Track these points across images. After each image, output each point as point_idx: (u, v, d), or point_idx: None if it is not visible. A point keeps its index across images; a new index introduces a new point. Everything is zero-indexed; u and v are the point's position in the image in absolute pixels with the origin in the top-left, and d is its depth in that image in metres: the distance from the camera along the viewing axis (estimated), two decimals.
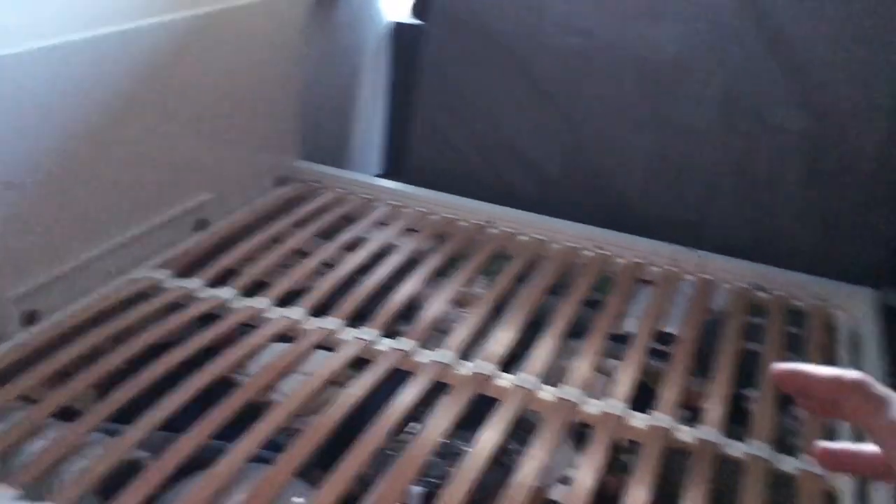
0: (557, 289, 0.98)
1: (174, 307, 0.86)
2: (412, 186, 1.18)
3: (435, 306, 0.90)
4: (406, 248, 1.03)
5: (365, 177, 1.22)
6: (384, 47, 1.50)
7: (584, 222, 1.12)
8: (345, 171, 1.23)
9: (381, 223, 1.11)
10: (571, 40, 1.22)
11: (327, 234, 1.06)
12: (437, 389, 0.77)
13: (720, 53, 1.15)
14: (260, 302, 0.87)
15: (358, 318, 0.88)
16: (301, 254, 1.01)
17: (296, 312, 0.86)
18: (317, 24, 1.27)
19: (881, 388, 0.28)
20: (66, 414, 0.70)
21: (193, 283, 0.89)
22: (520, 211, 1.13)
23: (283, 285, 0.91)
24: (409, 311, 0.91)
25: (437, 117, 1.35)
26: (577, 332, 0.89)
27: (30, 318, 0.80)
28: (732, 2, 1.13)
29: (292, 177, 1.20)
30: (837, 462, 0.32)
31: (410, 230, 1.09)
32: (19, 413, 0.68)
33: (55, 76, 0.77)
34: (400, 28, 1.49)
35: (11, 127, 0.74)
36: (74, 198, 0.83)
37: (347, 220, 1.11)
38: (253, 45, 1.05)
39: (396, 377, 0.78)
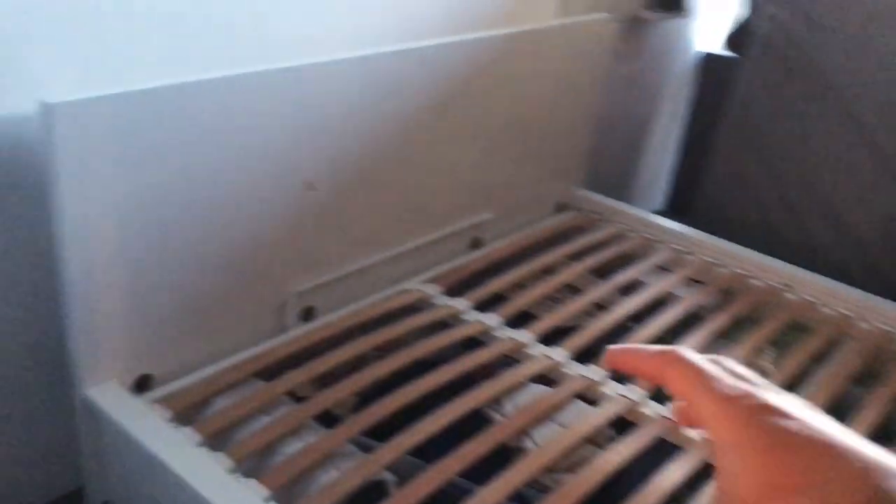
0: (864, 378, 0.84)
1: (440, 325, 0.85)
2: (699, 231, 1.08)
3: None
4: (687, 300, 0.94)
5: (648, 214, 1.13)
6: (689, 78, 1.40)
7: None
8: (627, 205, 1.16)
9: (662, 268, 1.02)
10: None
11: (602, 271, 1.00)
12: (706, 472, 0.68)
13: None
14: (523, 335, 0.83)
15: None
16: (572, 289, 0.96)
17: (558, 353, 0.81)
18: (623, 51, 1.21)
19: (697, 359, 0.27)
20: (326, 418, 0.70)
21: (461, 304, 0.87)
22: (826, 278, 0.98)
23: (549, 321, 0.86)
24: None
25: (739, 159, 1.23)
26: (886, 434, 0.75)
27: (307, 314, 0.83)
28: None
29: (572, 204, 1.16)
30: (686, 420, 0.31)
31: (694, 281, 1.00)
32: (284, 409, 0.70)
33: (361, 85, 0.78)
34: (709, 59, 1.39)
35: (318, 130, 0.76)
36: (365, 204, 0.84)
37: (625, 259, 1.04)
38: (553, 69, 1.02)
39: (662, 448, 0.70)
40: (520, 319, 0.87)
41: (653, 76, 1.33)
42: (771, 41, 1.18)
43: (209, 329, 0.74)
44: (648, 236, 1.08)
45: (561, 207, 1.15)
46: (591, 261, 1.00)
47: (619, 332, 0.87)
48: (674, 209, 1.46)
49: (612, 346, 0.32)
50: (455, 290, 0.91)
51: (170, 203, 0.66)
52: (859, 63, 1.09)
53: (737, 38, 1.33)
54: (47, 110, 0.57)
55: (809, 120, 1.15)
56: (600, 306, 0.92)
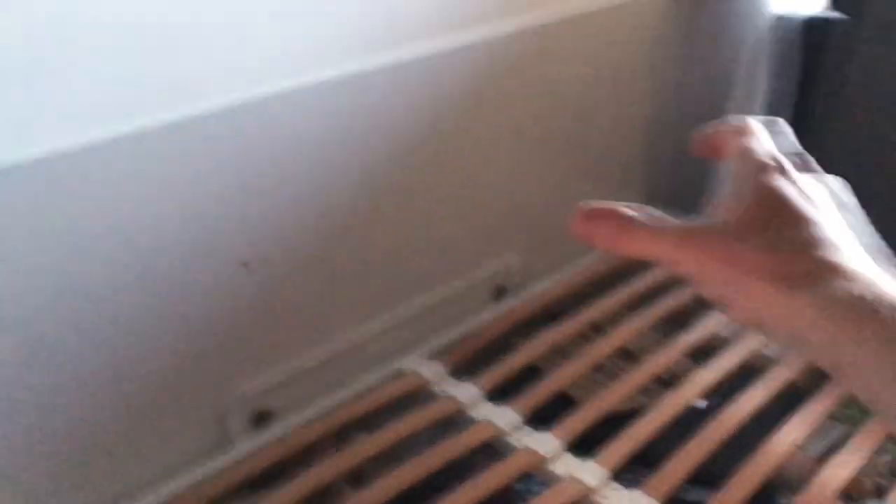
0: None
1: (441, 424, 0.64)
2: None
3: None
4: (785, 367, 0.69)
5: None
6: (772, 54, 1.11)
7: None
8: None
9: None
10: None
11: (669, 325, 0.76)
12: None
13: None
14: (548, 443, 0.61)
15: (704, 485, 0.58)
16: (628, 355, 0.73)
17: (596, 473, 0.58)
18: (678, 28, 0.95)
19: (760, 129, 0.28)
20: None
21: (468, 393, 0.66)
22: None
23: (588, 415, 0.64)
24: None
25: (867, 152, 0.95)
26: None
27: (261, 420, 0.63)
28: None
29: None
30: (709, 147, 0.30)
31: None
32: None
33: (316, 119, 0.58)
34: (810, 25, 1.10)
35: (257, 189, 0.56)
36: (337, 270, 0.64)
37: (701, 305, 0.79)
38: (596, 61, 0.78)
39: None
40: (553, 410, 0.64)
41: (722, 53, 1.05)
42: None
43: (112, 451, 0.56)
44: None
45: None
46: (652, 312, 0.76)
47: (690, 424, 0.63)
48: None
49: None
50: (464, 370, 0.69)
51: (30, 288, 0.48)
52: None
53: None
54: None
55: None
56: (666, 382, 0.69)
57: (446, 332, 0.73)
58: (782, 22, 1.08)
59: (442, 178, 0.69)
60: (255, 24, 0.58)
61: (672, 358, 0.70)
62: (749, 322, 0.24)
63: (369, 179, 0.63)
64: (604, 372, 0.71)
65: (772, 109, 1.12)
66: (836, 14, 1.06)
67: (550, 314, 0.78)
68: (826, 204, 0.26)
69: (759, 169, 0.25)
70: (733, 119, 0.28)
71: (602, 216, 0.26)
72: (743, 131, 0.27)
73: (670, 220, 0.25)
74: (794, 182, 0.25)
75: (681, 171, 1.07)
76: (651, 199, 0.92)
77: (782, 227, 0.24)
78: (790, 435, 0.61)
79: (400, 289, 0.70)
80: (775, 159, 0.26)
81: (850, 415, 0.64)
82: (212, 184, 0.54)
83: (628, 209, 0.25)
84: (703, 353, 0.71)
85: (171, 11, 0.53)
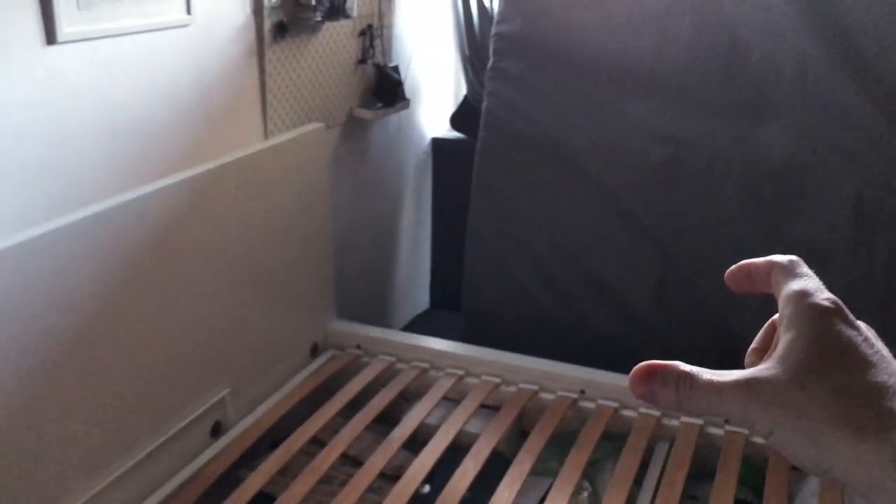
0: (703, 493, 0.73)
1: None
2: (474, 348, 0.94)
3: None
4: (486, 439, 0.79)
5: (413, 337, 0.98)
6: (428, 167, 1.29)
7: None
8: (391, 330, 1.00)
9: (448, 399, 0.87)
10: (654, 150, 1.01)
11: (382, 422, 0.83)
12: None
13: (848, 153, 0.92)
14: None
15: None
16: (351, 461, 0.77)
17: None
18: (347, 156, 1.06)
19: (805, 269, 0.28)
20: None
21: None
22: (622, 375, 0.89)
23: None
24: None
25: (490, 242, 1.12)
26: None
27: None
28: (854, 87, 0.91)
29: (329, 342, 0.97)
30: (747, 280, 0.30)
31: (485, 407, 0.85)
32: None
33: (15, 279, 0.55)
34: (438, 143, 1.29)
35: None
36: (43, 437, 0.60)
37: (405, 398, 0.87)
38: (274, 192, 0.84)
39: None
40: None
41: (387, 174, 1.20)
42: (500, 116, 1.10)
43: None
44: (421, 365, 0.92)
45: (317, 349, 0.96)
46: (365, 414, 0.82)
47: None
48: (442, 304, 1.34)
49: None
50: None
51: None
52: (594, 133, 1.03)
53: (462, 117, 1.25)
54: None
55: (558, 195, 1.07)
56: (392, 477, 0.74)
57: (170, 478, 0.72)
58: (436, 142, 1.27)
59: (140, 327, 0.69)
60: None
61: (390, 453, 0.77)
62: (817, 470, 0.24)
63: (71, 340, 0.62)
64: (332, 482, 0.75)
65: (436, 210, 1.29)
66: (458, 134, 1.27)
67: (271, 439, 0.80)
68: (883, 349, 0.26)
69: (820, 313, 0.25)
70: (775, 257, 0.28)
71: (662, 374, 0.25)
72: (790, 272, 0.27)
73: (727, 373, 0.25)
74: (854, 326, 0.25)
75: (366, 285, 1.17)
76: (342, 315, 1.00)
77: (849, 372, 0.24)
78: (505, 496, 0.70)
79: (117, 443, 0.67)
80: (835, 303, 0.25)
81: (549, 468, 0.76)
82: None
83: (684, 365, 0.25)
84: (415, 442, 0.79)
85: None
